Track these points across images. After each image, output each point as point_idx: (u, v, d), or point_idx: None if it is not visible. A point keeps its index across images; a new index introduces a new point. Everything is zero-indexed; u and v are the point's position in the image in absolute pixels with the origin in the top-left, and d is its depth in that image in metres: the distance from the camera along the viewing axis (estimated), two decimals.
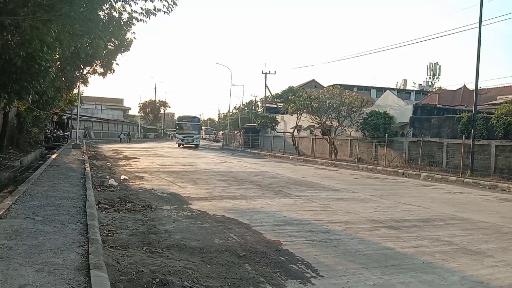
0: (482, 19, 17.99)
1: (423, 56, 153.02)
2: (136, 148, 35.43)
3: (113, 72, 23.51)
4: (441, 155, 20.11)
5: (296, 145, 32.05)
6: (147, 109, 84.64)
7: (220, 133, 77.33)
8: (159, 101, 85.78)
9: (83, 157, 18.57)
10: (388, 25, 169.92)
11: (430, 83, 72.18)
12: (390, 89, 45.01)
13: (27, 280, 3.64)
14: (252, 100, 74.65)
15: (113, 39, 17.06)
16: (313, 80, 57.10)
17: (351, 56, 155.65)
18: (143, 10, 9.82)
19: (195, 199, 9.48)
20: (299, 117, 30.61)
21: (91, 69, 23.61)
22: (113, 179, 11.81)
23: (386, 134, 22.60)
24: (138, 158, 22.35)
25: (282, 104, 36.86)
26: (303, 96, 28.11)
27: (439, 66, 74.07)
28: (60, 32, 10.37)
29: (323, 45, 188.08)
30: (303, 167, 22.09)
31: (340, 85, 30.20)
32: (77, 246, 4.77)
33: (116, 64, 22.86)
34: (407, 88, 66.07)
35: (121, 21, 10.86)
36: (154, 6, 9.67)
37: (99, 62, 22.16)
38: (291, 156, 29.62)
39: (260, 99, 65.39)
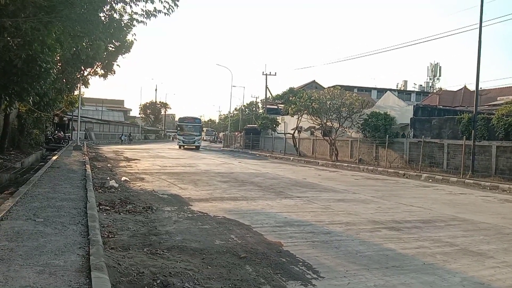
0: (483, 20, 18.02)
1: (424, 57, 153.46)
2: (137, 149, 35.45)
3: (114, 73, 23.62)
4: (442, 156, 20.09)
5: (297, 146, 32.05)
6: (148, 111, 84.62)
7: (221, 134, 77.34)
8: (159, 102, 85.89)
9: (84, 159, 18.60)
10: (388, 26, 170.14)
11: (430, 84, 72.30)
12: (390, 90, 45.11)
13: (28, 282, 3.64)
14: (252, 101, 74.88)
15: (113, 41, 17.05)
16: (314, 81, 57.20)
17: (351, 57, 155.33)
18: (143, 11, 9.83)
19: (195, 200, 9.48)
20: (299, 118, 30.58)
21: (91, 71, 23.66)
22: (114, 181, 11.82)
23: (387, 135, 22.57)
24: (139, 160, 22.38)
25: (282, 105, 36.81)
26: (303, 97, 28.10)
27: (440, 67, 74.25)
28: (60, 34, 10.41)
29: (323, 46, 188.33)
30: (304, 168, 22.09)
31: (341, 86, 30.16)
32: (78, 248, 4.78)
33: (117, 65, 23.01)
34: (408, 89, 66.20)
35: (122, 22, 10.86)
36: (155, 8, 9.68)
37: (99, 63, 22.19)
38: (291, 157, 29.62)
39: (260, 100, 65.55)
